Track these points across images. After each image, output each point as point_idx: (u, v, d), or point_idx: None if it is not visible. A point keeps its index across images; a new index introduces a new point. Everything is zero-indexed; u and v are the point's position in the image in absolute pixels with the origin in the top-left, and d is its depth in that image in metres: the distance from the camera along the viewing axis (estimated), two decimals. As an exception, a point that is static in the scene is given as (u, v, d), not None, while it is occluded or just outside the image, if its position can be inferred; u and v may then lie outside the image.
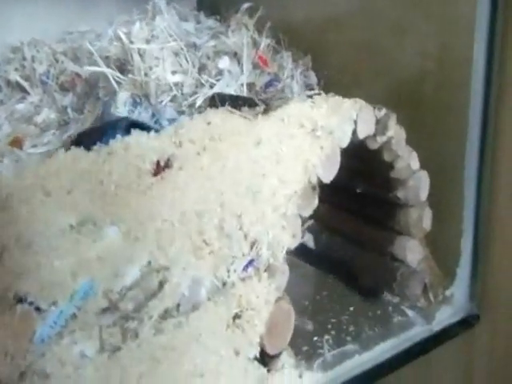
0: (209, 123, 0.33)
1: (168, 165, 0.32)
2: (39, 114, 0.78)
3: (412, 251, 0.49)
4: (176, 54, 0.61)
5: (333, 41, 0.67)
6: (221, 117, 0.33)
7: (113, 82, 0.60)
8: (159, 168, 0.32)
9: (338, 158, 0.40)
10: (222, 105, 0.54)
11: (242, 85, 0.59)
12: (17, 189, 0.27)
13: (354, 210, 0.51)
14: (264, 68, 0.63)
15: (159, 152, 0.32)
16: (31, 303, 0.27)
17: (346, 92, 0.66)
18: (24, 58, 0.84)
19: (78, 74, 0.84)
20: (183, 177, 0.32)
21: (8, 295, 0.27)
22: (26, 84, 0.82)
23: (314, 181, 0.39)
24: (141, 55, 0.59)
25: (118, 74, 0.61)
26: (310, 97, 0.38)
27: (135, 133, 0.32)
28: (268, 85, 0.62)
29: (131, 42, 0.59)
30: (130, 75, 0.59)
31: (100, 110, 0.66)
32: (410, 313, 0.49)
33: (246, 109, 0.42)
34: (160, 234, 0.32)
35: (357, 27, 0.65)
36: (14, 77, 0.81)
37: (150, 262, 0.32)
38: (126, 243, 0.31)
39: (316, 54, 0.68)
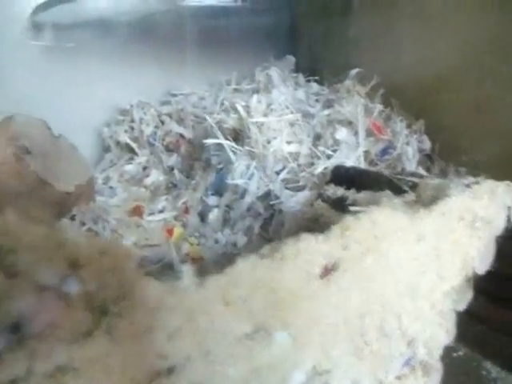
0: (374, 222, 0.33)
1: (334, 268, 0.32)
2: (148, 176, 0.82)
3: None
4: (291, 125, 0.62)
5: (445, 102, 0.66)
6: (384, 213, 0.33)
7: (229, 152, 0.62)
8: (326, 271, 0.32)
9: (493, 247, 0.38)
10: (346, 179, 0.54)
11: (359, 156, 0.59)
12: (200, 300, 0.28)
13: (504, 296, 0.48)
14: (378, 135, 0.62)
15: (327, 256, 0.32)
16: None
17: (463, 155, 0.64)
18: (132, 120, 0.89)
19: (182, 136, 0.88)
20: (348, 279, 0.32)
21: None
22: (134, 145, 0.86)
23: (470, 273, 0.37)
24: (258, 127, 0.60)
25: (235, 145, 0.62)
26: (468, 186, 0.37)
27: (304, 236, 0.32)
28: (383, 152, 0.61)
29: (249, 115, 0.60)
30: (246, 147, 0.60)
31: (213, 178, 0.68)
32: None
33: (388, 192, 0.42)
34: (324, 338, 0.32)
35: (469, 86, 0.64)
36: (124, 138, 0.86)
37: (314, 366, 0.32)
38: (293, 348, 0.31)
39: (428, 117, 0.67)
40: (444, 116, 0.66)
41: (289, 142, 0.60)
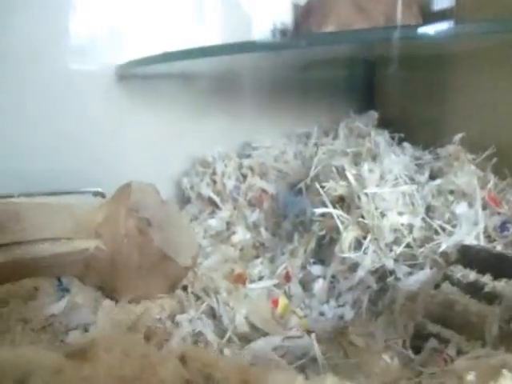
0: None
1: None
2: (235, 234, 0.80)
3: None
4: (403, 195, 0.60)
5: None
6: None
7: (338, 221, 0.60)
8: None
9: None
10: (477, 262, 0.51)
11: (479, 233, 0.56)
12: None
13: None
14: (495, 209, 0.60)
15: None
16: None
17: None
18: (214, 172, 0.89)
19: (264, 191, 0.86)
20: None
21: None
22: (217, 199, 0.85)
23: None
24: (370, 197, 0.58)
25: (343, 214, 0.60)
26: None
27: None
28: (503, 228, 0.58)
29: (359, 183, 0.58)
30: (357, 218, 0.58)
31: (314, 244, 0.66)
32: None
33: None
34: None
35: None
36: (207, 191, 0.85)
37: None
38: None
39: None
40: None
41: (401, 213, 0.58)
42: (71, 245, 0.48)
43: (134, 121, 0.90)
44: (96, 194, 0.79)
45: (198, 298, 0.55)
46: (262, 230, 0.80)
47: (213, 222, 0.84)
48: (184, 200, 0.91)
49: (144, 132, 0.91)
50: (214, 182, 0.89)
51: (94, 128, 0.87)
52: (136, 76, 0.89)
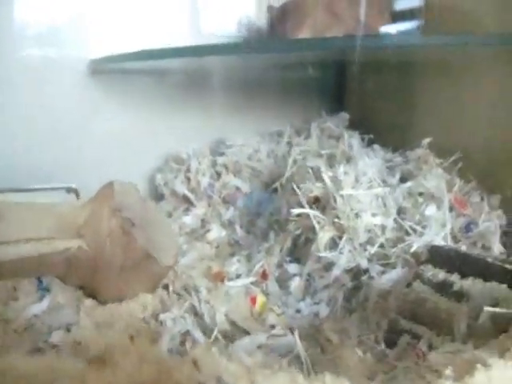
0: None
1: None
2: (209, 231, 0.81)
3: None
4: (376, 197, 0.62)
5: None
6: None
7: (314, 222, 0.62)
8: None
9: None
10: (447, 262, 0.54)
11: (446, 234, 0.59)
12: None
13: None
14: (460, 211, 0.63)
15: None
16: None
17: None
18: (188, 170, 0.89)
19: (238, 189, 0.88)
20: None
21: None
22: (192, 196, 0.86)
23: None
24: (345, 199, 0.61)
25: (320, 215, 0.63)
26: None
27: None
28: (467, 229, 0.62)
29: (337, 188, 0.61)
30: (334, 219, 0.61)
31: (290, 243, 0.68)
32: None
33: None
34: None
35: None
36: (182, 189, 0.86)
37: None
38: None
39: (504, 192, 0.68)
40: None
41: (374, 215, 0.61)
42: (54, 245, 0.48)
43: (107, 116, 0.90)
44: (69, 190, 0.78)
45: (179, 296, 0.56)
46: (237, 227, 0.81)
47: (187, 220, 0.84)
48: (157, 196, 0.91)
49: (116, 127, 0.91)
50: (189, 179, 0.89)
51: (65, 123, 0.86)
52: (109, 71, 0.88)
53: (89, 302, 0.51)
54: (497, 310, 0.40)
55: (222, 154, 0.92)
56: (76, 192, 0.79)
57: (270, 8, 0.86)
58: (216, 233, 0.80)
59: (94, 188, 0.78)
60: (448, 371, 0.32)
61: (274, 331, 0.49)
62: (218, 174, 0.90)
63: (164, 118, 0.95)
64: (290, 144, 0.92)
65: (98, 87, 0.88)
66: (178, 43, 0.85)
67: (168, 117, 0.95)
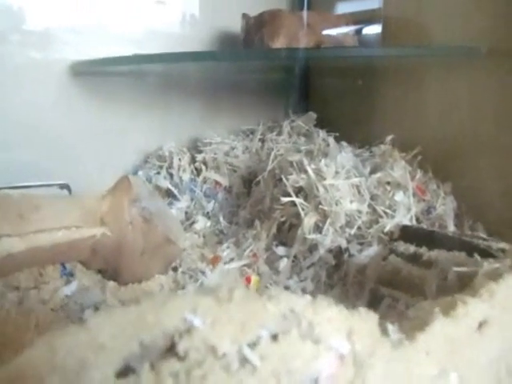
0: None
1: (485, 322, 0.42)
2: (196, 222, 0.88)
3: None
4: (353, 186, 0.72)
5: (470, 166, 0.80)
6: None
7: (299, 208, 0.71)
8: (480, 326, 0.42)
9: None
10: (416, 238, 0.65)
11: (412, 216, 0.70)
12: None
13: None
14: (421, 197, 0.74)
15: (482, 314, 0.42)
16: None
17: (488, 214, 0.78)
18: (170, 166, 0.95)
19: (218, 183, 0.95)
20: (492, 331, 0.42)
21: None
22: (175, 191, 0.92)
23: None
24: (325, 188, 0.70)
25: (304, 202, 0.72)
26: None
27: (468, 298, 0.42)
28: (428, 211, 0.74)
29: (320, 178, 0.70)
30: (319, 206, 0.70)
31: (275, 229, 0.77)
32: None
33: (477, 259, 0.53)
34: (478, 377, 0.42)
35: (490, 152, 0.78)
36: (165, 184, 0.92)
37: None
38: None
39: (454, 180, 0.80)
40: (470, 179, 0.80)
41: (351, 201, 0.71)
42: (81, 232, 0.54)
43: (87, 115, 0.94)
44: (62, 186, 0.82)
45: (190, 276, 0.63)
46: (221, 218, 0.89)
47: (173, 212, 0.90)
48: (140, 192, 0.96)
49: (99, 126, 0.95)
50: (171, 174, 0.95)
51: (46, 121, 0.89)
52: (90, 72, 0.92)
53: (112, 283, 0.57)
54: (463, 269, 0.51)
55: (200, 152, 0.99)
56: (68, 188, 0.83)
57: (244, 16, 0.94)
58: (202, 223, 0.87)
59: (79, 185, 0.83)
60: (437, 309, 0.41)
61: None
62: (198, 170, 0.97)
63: (144, 118, 1.01)
64: (262, 140, 1.00)
65: (78, 88, 0.92)
66: (158, 49, 0.92)
67: (147, 117, 1.01)
